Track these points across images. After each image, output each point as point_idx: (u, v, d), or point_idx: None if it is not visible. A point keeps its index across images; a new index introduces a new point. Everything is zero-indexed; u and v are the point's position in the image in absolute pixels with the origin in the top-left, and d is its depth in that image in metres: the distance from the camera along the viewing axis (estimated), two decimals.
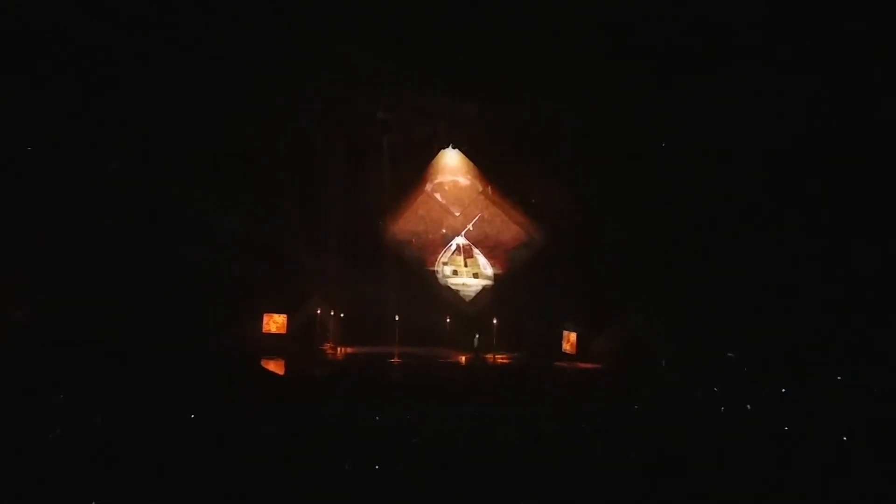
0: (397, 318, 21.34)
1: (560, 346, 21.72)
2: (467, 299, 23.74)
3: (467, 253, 23.86)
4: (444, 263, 23.93)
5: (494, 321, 21.25)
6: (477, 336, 20.72)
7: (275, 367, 18.80)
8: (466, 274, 23.83)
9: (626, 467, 9.40)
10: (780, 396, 13.39)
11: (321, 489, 8.52)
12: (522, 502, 8.33)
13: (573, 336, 21.50)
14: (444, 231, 23.91)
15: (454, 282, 23.85)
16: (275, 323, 21.83)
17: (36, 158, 19.94)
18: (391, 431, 10.78)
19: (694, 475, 8.98)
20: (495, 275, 23.75)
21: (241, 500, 8.22)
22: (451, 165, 23.62)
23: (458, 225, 23.84)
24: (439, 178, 23.72)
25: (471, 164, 23.52)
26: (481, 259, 23.83)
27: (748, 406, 12.37)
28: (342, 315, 22.10)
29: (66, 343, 16.59)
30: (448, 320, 22.25)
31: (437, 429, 10.89)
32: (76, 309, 18.87)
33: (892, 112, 16.88)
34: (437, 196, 23.84)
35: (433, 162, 23.58)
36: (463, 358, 20.92)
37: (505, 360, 20.88)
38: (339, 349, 21.56)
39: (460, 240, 23.83)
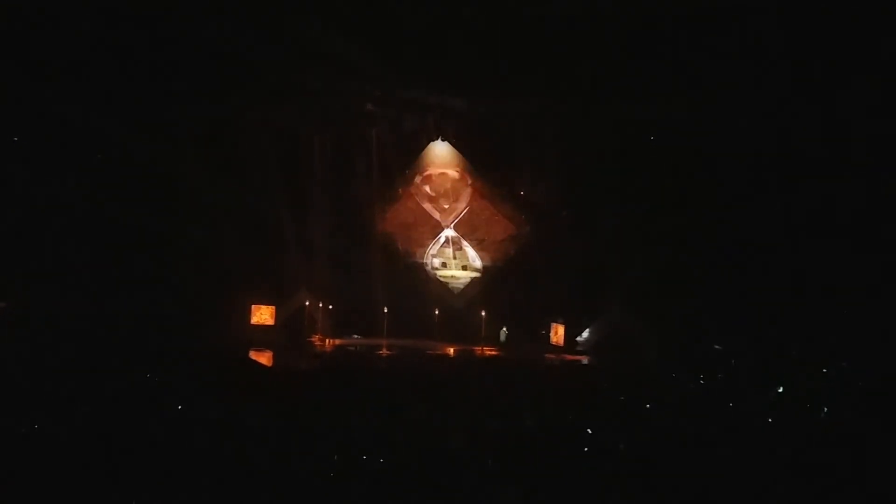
0: (386, 310, 21.34)
1: (548, 338, 21.81)
2: (456, 291, 23.76)
3: (456, 245, 23.87)
4: (433, 256, 23.94)
5: (483, 313, 21.28)
6: (504, 330, 20.73)
7: (263, 358, 18.75)
8: (455, 266, 23.84)
9: (614, 458, 9.44)
10: (768, 389, 13.47)
11: (309, 481, 8.51)
12: (511, 494, 8.36)
13: (561, 328, 21.58)
14: (432, 223, 23.92)
15: (443, 274, 23.86)
16: (262, 314, 21.78)
17: (21, 148, 19.78)
18: (380, 423, 10.77)
19: (681, 467, 9.03)
20: (484, 267, 23.79)
21: (230, 492, 8.20)
22: (440, 158, 23.60)
23: (447, 217, 23.85)
24: (428, 171, 23.71)
25: (460, 156, 23.51)
26: (470, 251, 23.84)
27: (730, 403, 12.43)
28: (330, 307, 22.08)
29: (50, 335, 16.45)
30: (437, 312, 22.25)
31: (427, 420, 10.90)
32: (61, 300, 18.75)
33: (871, 113, 17.03)
34: (426, 188, 23.83)
35: (422, 154, 23.57)
36: (449, 350, 20.96)
37: (493, 353, 20.93)
38: (327, 341, 21.53)
39: (449, 232, 23.84)
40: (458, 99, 22.25)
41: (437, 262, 23.97)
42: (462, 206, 23.76)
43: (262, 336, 20.78)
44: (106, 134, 19.62)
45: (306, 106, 21.80)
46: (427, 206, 23.90)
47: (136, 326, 17.59)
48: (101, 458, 8.65)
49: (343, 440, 9.71)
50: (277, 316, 21.80)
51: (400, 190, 23.80)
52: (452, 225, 23.80)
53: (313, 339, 21.60)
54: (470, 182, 23.66)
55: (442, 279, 23.91)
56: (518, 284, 22.40)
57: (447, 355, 20.61)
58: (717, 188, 19.69)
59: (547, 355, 20.79)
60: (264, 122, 21.79)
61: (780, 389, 13.58)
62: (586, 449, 9.83)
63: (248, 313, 21.63)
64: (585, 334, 21.67)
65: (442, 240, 23.90)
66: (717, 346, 18.61)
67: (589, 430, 10.41)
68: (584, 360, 20.56)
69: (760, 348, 17.08)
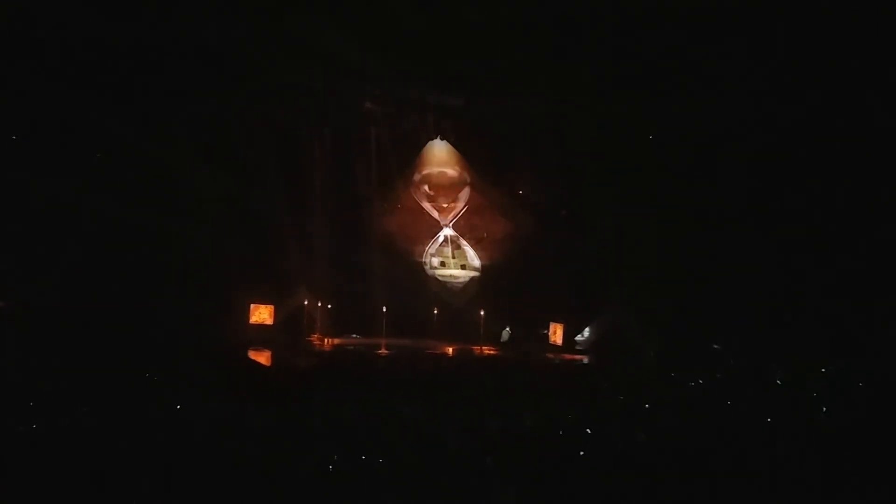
0: (385, 310, 21.34)
1: (547, 337, 21.81)
2: (455, 290, 23.75)
3: (454, 244, 23.86)
4: (432, 255, 23.92)
5: (482, 313, 21.28)
6: (507, 329, 20.66)
7: (262, 358, 18.74)
8: (454, 265, 23.83)
9: (613, 458, 9.44)
10: (766, 387, 13.49)
11: (308, 480, 8.51)
12: (510, 493, 8.36)
13: (560, 328, 21.58)
14: (431, 222, 23.91)
15: (442, 273, 23.85)
16: (261, 314, 21.77)
17: (21, 147, 19.76)
18: (378, 422, 10.76)
19: (680, 467, 9.03)
20: (482, 266, 23.78)
21: (229, 492, 8.19)
22: (439, 157, 23.58)
23: (446, 216, 23.84)
24: (427, 170, 23.70)
25: (458, 155, 23.49)
26: (469, 250, 23.84)
27: (728, 402, 12.44)
28: (329, 306, 22.08)
29: (49, 334, 16.43)
30: (435, 311, 22.26)
31: (426, 420, 10.90)
32: (61, 299, 18.74)
33: (871, 114, 17.06)
34: (425, 187, 23.82)
35: (421, 153, 23.55)
36: (448, 350, 20.95)
37: (492, 352, 20.94)
38: (326, 340, 21.54)
39: (448, 231, 23.83)
40: (458, 98, 22.24)
41: (435, 261, 23.96)
42: (461, 205, 23.75)
43: (261, 335, 20.77)
44: (106, 133, 19.63)
45: (306, 105, 21.80)
46: (426, 205, 23.89)
47: (136, 326, 17.58)
48: (101, 458, 8.63)
49: (341, 440, 9.70)
50: (276, 315, 21.80)
51: (399, 189, 23.79)
52: (451, 224, 23.80)
53: (312, 339, 21.61)
54: (469, 181, 23.64)
55: (441, 278, 23.91)
56: (517, 283, 22.41)
57: (446, 355, 20.61)
58: (716, 188, 19.69)
59: (546, 355, 20.80)
60: (264, 121, 21.77)
61: (779, 381, 13.62)
62: (585, 448, 9.82)
63: (247, 313, 21.64)
64: (585, 334, 21.69)
65: (441, 239, 23.90)
66: (715, 346, 18.64)
67: (588, 430, 10.40)
68: (584, 359, 20.57)
69: (759, 348, 17.09)
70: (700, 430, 10.72)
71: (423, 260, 23.89)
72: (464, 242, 23.84)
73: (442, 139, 23.31)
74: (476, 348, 20.99)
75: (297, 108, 21.83)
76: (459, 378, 16.62)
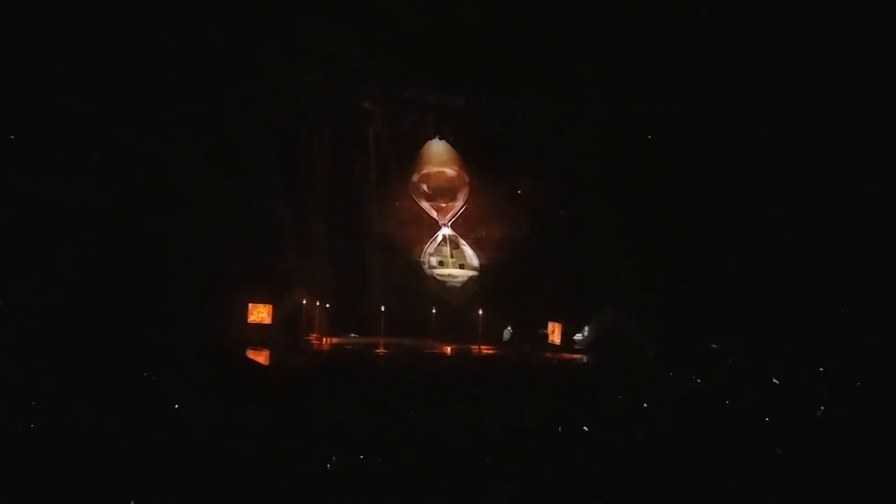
0: (383, 309, 21.34)
1: (546, 336, 21.82)
2: (453, 290, 23.76)
3: (453, 244, 23.87)
4: (430, 254, 23.93)
5: (480, 312, 21.28)
6: (508, 329, 20.64)
7: (260, 357, 18.74)
8: (452, 265, 23.84)
9: (612, 457, 9.43)
10: (765, 388, 13.49)
11: (306, 481, 8.50)
12: (510, 492, 8.36)
13: (558, 327, 21.59)
14: (429, 221, 23.91)
15: (440, 273, 23.86)
16: (260, 313, 21.78)
17: (19, 147, 19.74)
18: (377, 422, 10.75)
19: (678, 466, 9.03)
20: (481, 266, 23.78)
21: (227, 492, 8.18)
22: (438, 156, 23.59)
23: (444, 215, 23.83)
24: (426, 169, 23.70)
25: (457, 154, 23.49)
26: (467, 250, 23.85)
27: (727, 402, 12.43)
28: (328, 305, 22.07)
29: (47, 334, 16.40)
30: (434, 311, 22.25)
31: (424, 419, 10.90)
32: (59, 299, 18.71)
33: (869, 113, 17.07)
34: (423, 187, 23.82)
35: (420, 152, 23.55)
36: (446, 349, 20.94)
37: (491, 351, 20.95)
38: (324, 339, 21.53)
39: (446, 231, 23.83)
40: (457, 97, 22.22)
41: (434, 260, 23.96)
42: (459, 205, 23.76)
43: (260, 335, 20.79)
44: (105, 133, 19.60)
45: (305, 105, 21.79)
46: (424, 204, 23.90)
47: (134, 325, 17.55)
48: (100, 458, 8.62)
49: (340, 439, 9.68)
50: (275, 315, 21.81)
51: (398, 188, 23.78)
52: (450, 223, 23.80)
53: (311, 338, 21.61)
54: (467, 180, 23.65)
55: (439, 277, 23.92)
56: (516, 283, 22.40)
57: (444, 354, 20.62)
58: (715, 187, 19.71)
59: (544, 354, 20.80)
60: (264, 121, 21.77)
61: (776, 381, 13.61)
62: (584, 448, 9.81)
63: (246, 312, 21.65)
64: (583, 333, 21.71)
65: (439, 238, 23.91)
66: (714, 346, 18.64)
67: (585, 428, 10.39)
68: (582, 358, 20.59)
69: (757, 347, 17.09)
70: (699, 429, 10.70)
71: (422, 259, 23.91)
72: (462, 242, 23.85)
73: (441, 138, 23.32)
74: (475, 348, 20.99)
75: (296, 108, 21.83)
76: (458, 377, 16.61)
